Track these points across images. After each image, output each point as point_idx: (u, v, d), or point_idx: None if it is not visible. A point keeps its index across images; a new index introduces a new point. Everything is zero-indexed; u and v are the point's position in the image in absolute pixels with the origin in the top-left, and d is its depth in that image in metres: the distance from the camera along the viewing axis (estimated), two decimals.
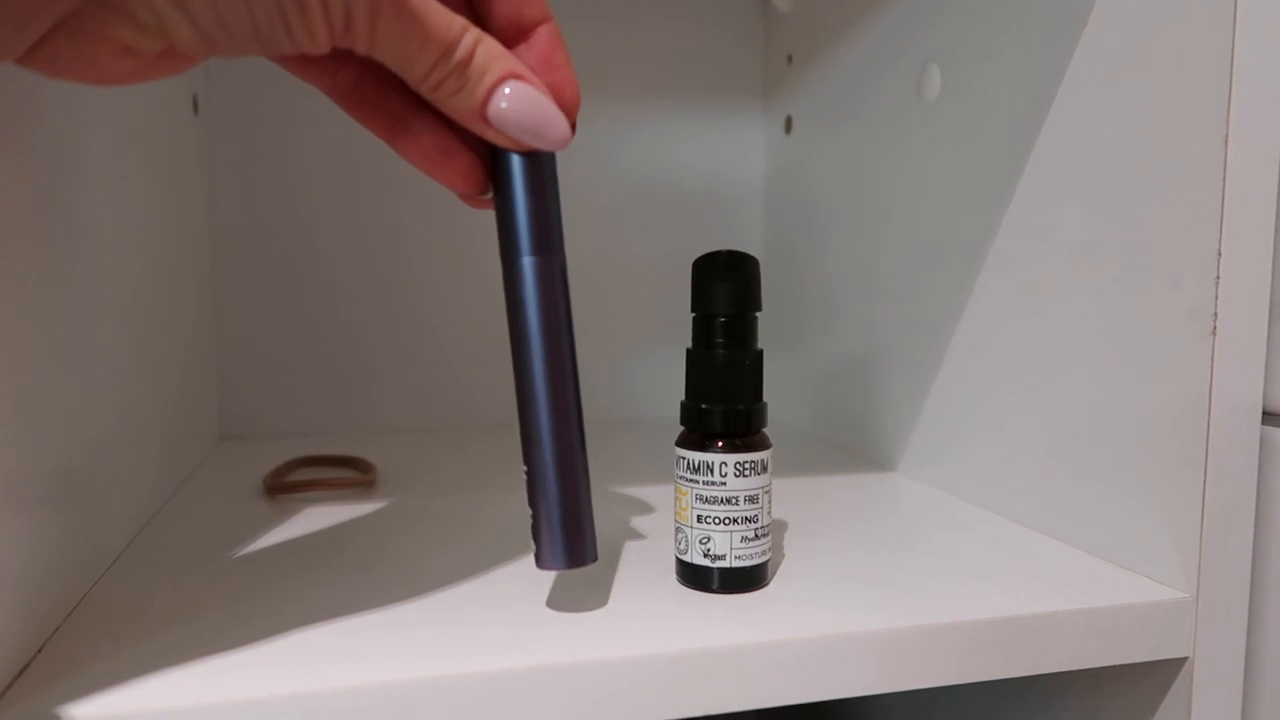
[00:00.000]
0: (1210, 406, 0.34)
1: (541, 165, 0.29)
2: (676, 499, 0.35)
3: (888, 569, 0.37)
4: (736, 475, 0.34)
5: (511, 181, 0.29)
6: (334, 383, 0.66)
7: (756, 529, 0.34)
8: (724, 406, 0.34)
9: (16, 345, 0.28)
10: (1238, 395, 0.34)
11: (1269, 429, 0.35)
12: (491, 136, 0.28)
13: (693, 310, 0.34)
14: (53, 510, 0.31)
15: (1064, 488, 0.40)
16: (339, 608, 0.33)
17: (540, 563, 0.31)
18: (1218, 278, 0.33)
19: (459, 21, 0.26)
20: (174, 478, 0.50)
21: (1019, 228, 0.43)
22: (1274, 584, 0.36)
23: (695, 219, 0.72)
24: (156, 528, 0.42)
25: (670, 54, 0.70)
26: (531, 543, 0.31)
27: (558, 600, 0.34)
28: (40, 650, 0.29)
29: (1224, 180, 0.33)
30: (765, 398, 0.35)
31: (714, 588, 0.34)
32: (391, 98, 0.29)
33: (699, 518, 0.34)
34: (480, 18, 0.29)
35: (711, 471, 0.34)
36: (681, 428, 0.35)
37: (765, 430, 0.35)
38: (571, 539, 0.30)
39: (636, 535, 0.41)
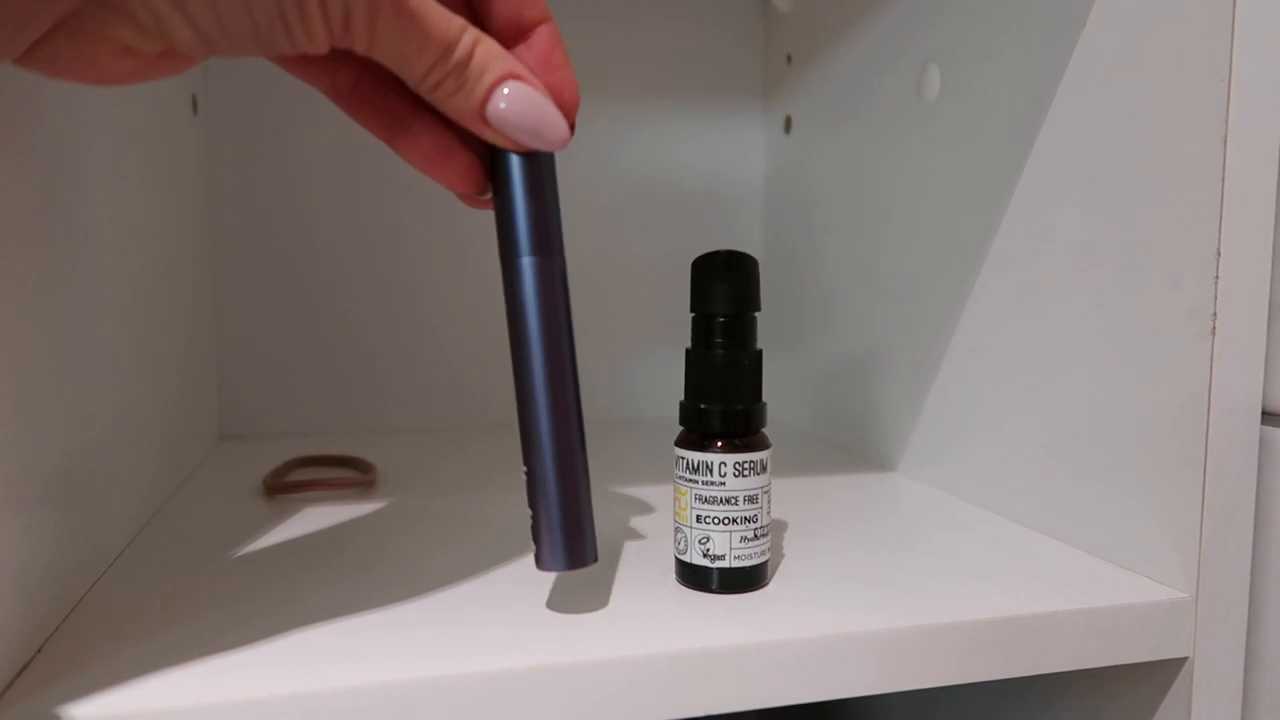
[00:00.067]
0: (1210, 406, 0.34)
1: (541, 165, 0.29)
2: (676, 499, 0.35)
3: (887, 569, 0.37)
4: (736, 475, 0.34)
5: (511, 182, 0.29)
6: (334, 383, 0.66)
7: (756, 529, 0.34)
8: (723, 406, 0.34)
9: (16, 345, 0.28)
10: (1237, 395, 0.34)
11: (1268, 429, 0.35)
12: (490, 137, 0.28)
13: (692, 310, 0.34)
14: (52, 510, 0.31)
15: (1064, 488, 0.40)
16: (339, 608, 0.33)
17: (540, 564, 0.31)
18: (1217, 277, 0.33)
19: (457, 21, 0.26)
20: (174, 478, 0.50)
21: (1018, 228, 0.43)
22: (1274, 584, 0.36)
23: (695, 219, 0.72)
24: (156, 528, 0.43)
25: (670, 54, 0.70)
26: (531, 543, 0.31)
27: (557, 600, 0.34)
28: (40, 650, 0.29)
29: (1223, 180, 0.33)
30: (765, 398, 0.35)
31: (713, 588, 0.34)
32: (391, 98, 0.29)
33: (698, 518, 0.34)
34: (479, 18, 0.29)
35: (711, 471, 0.34)
36: (681, 428, 0.35)
37: (765, 430, 0.35)
38: (571, 540, 0.30)
39: (636, 535, 0.41)
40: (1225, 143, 0.33)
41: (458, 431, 0.66)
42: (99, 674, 0.27)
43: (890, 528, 0.43)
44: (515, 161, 0.29)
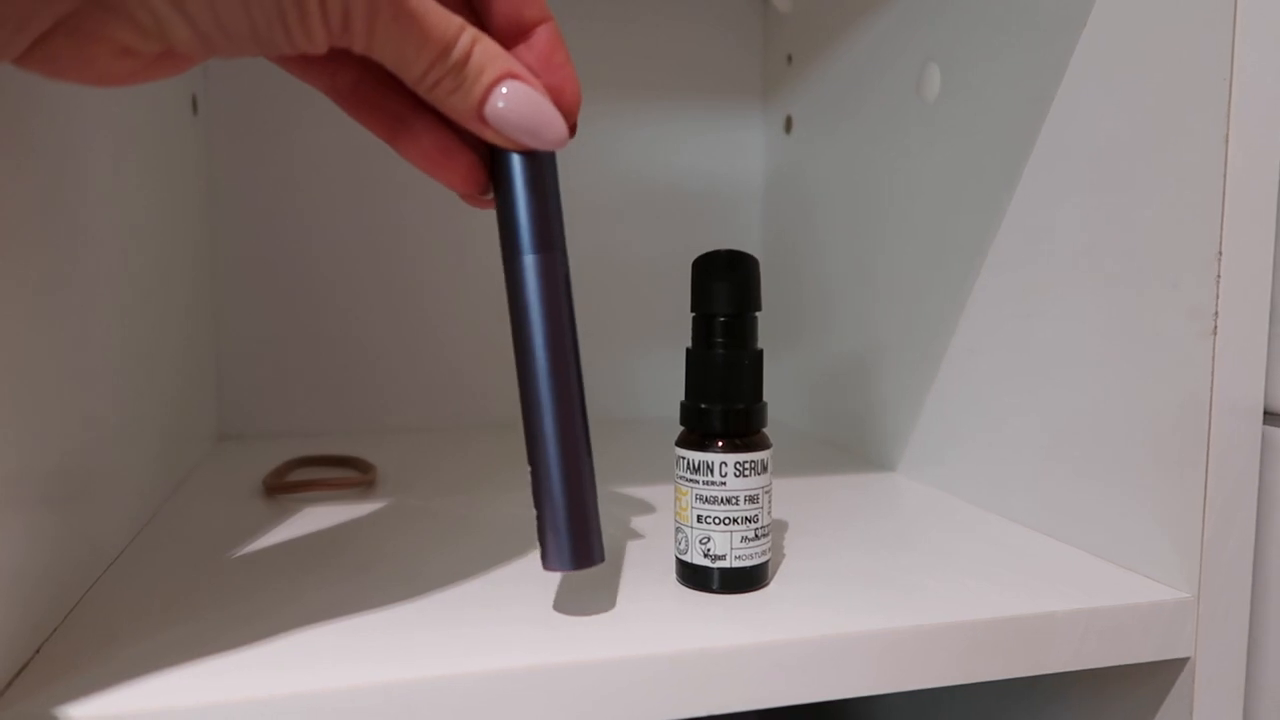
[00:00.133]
0: (1211, 406, 0.34)
1: (541, 164, 0.29)
2: (676, 499, 0.35)
3: (888, 569, 0.37)
4: (736, 475, 0.34)
5: (511, 181, 0.29)
6: (333, 382, 0.66)
7: (756, 529, 0.34)
8: (724, 406, 0.34)
9: (16, 345, 0.28)
10: (1238, 395, 0.34)
11: (1270, 428, 0.35)
12: (489, 136, 0.28)
13: (692, 310, 0.34)
14: (51, 510, 0.31)
15: (1064, 488, 0.40)
16: (338, 608, 0.33)
17: (546, 564, 0.31)
18: (1218, 277, 0.33)
19: (456, 21, 0.26)
20: (173, 477, 0.50)
21: (1018, 228, 0.43)
22: (1275, 583, 0.36)
23: (695, 219, 0.72)
24: (155, 528, 0.42)
25: (670, 54, 0.70)
26: (537, 543, 0.31)
27: (557, 600, 0.34)
28: (39, 650, 0.29)
29: (1224, 180, 0.33)
30: (765, 398, 0.35)
31: (714, 588, 0.34)
32: (391, 98, 0.29)
33: (699, 518, 0.34)
34: (480, 18, 0.29)
35: (711, 471, 0.34)
36: (681, 427, 0.35)
37: (765, 430, 0.35)
38: (577, 540, 0.30)
39: (636, 535, 0.41)
40: (1226, 142, 0.33)
41: (458, 431, 0.66)
42: (98, 674, 0.27)
43: (890, 528, 0.43)
44: (515, 160, 0.29)
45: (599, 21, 0.69)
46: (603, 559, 0.31)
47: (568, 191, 0.32)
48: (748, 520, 0.34)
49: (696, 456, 0.34)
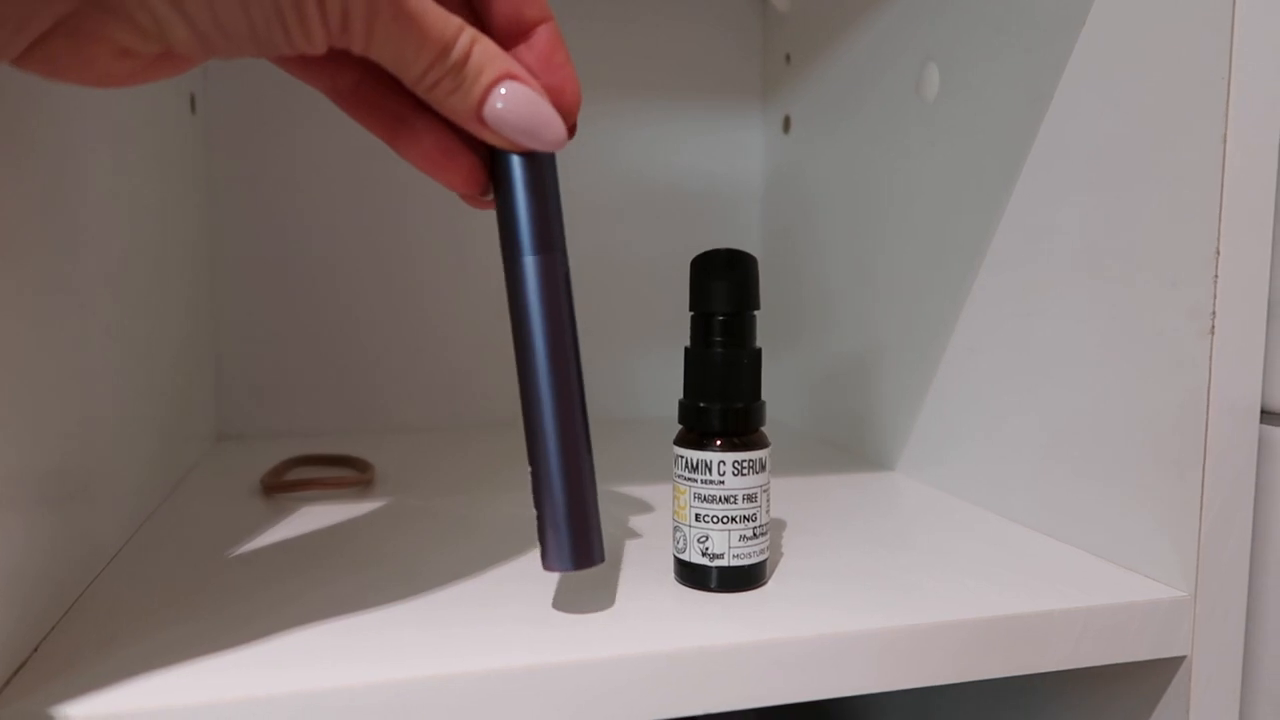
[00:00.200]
0: (1209, 405, 0.34)
1: (541, 165, 0.29)
2: (675, 498, 0.35)
3: (886, 568, 0.37)
4: (735, 474, 0.34)
5: (511, 181, 0.29)
6: (332, 382, 0.66)
7: (755, 527, 0.34)
8: (722, 405, 0.34)
9: (14, 345, 0.28)
10: (1236, 394, 0.34)
11: (1267, 428, 0.35)
12: (488, 137, 0.28)
13: (691, 309, 0.34)
14: (49, 509, 0.31)
15: (1062, 487, 0.40)
16: (336, 607, 0.33)
17: (546, 563, 0.31)
18: (1216, 277, 0.33)
19: (455, 22, 0.26)
20: (171, 477, 0.50)
21: (1017, 227, 0.43)
22: (1272, 582, 0.36)
23: (694, 218, 0.72)
24: (153, 527, 0.42)
25: (669, 54, 0.70)
26: (536, 543, 0.31)
27: (556, 599, 0.34)
28: (36, 649, 0.29)
29: (1222, 179, 0.33)
30: (764, 397, 0.35)
31: (712, 586, 0.34)
32: (391, 99, 0.29)
33: (697, 516, 0.34)
34: (479, 18, 0.29)
35: (710, 470, 0.34)
36: (680, 426, 0.35)
37: (764, 429, 0.35)
38: (577, 540, 0.30)
39: (635, 534, 0.41)
40: (1225, 142, 0.33)
41: (457, 431, 0.66)
42: (96, 673, 0.27)
43: (889, 527, 0.43)
44: (515, 161, 0.29)
45: (599, 21, 0.69)
46: (603, 559, 0.31)
47: (567, 191, 0.32)
48: (746, 519, 0.34)
49: (695, 455, 0.34)
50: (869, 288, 0.56)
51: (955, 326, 0.48)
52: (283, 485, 0.48)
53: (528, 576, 0.36)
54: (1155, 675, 0.36)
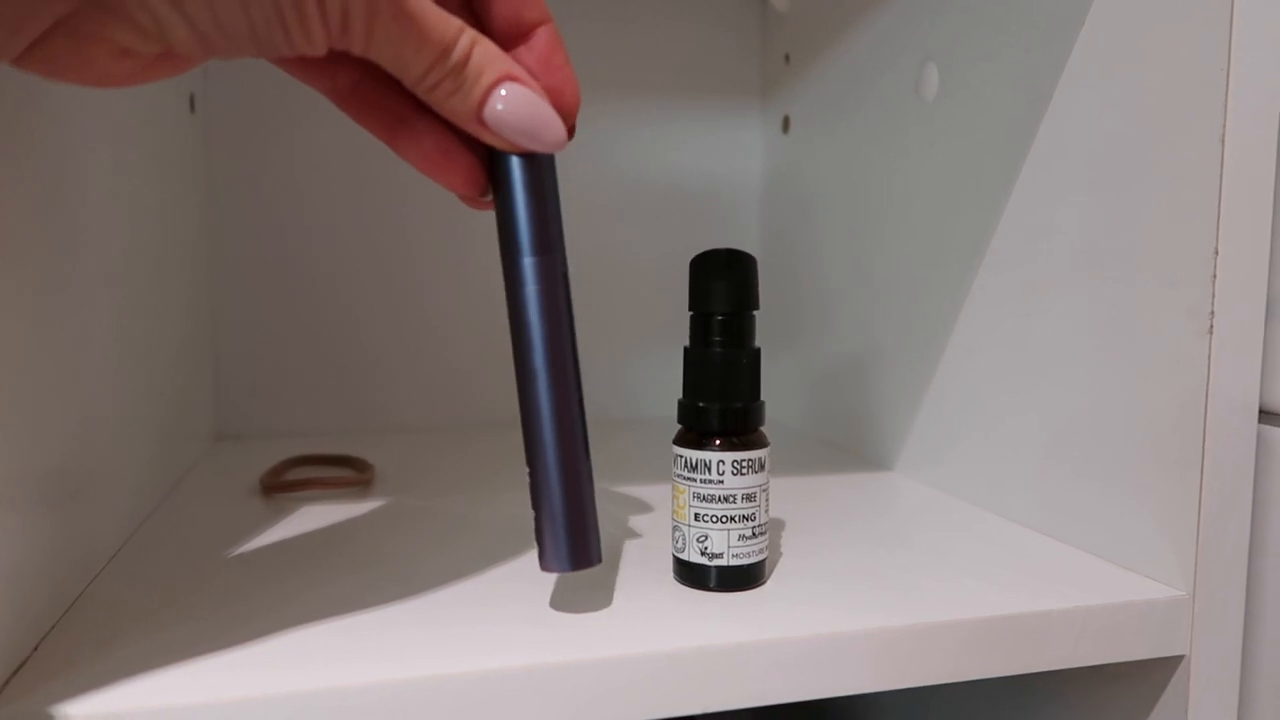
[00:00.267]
0: (1207, 405, 0.34)
1: (540, 166, 0.29)
2: (674, 497, 0.35)
3: (885, 568, 0.37)
4: (734, 473, 0.34)
5: (511, 183, 0.29)
6: (331, 382, 0.66)
7: (754, 527, 0.34)
8: (721, 405, 0.34)
9: (14, 345, 0.28)
10: (1234, 393, 0.34)
11: (1265, 427, 0.35)
12: (488, 138, 0.28)
13: (690, 308, 0.34)
14: (48, 509, 0.31)
15: (1061, 487, 0.41)
16: (335, 607, 0.33)
17: (544, 564, 0.31)
18: (1214, 276, 0.33)
19: (455, 23, 0.26)
20: (170, 476, 0.50)
21: (1016, 227, 0.43)
22: (1271, 581, 0.36)
23: (693, 218, 0.72)
24: (152, 526, 0.43)
25: (669, 54, 0.70)
26: (534, 543, 0.31)
27: (555, 599, 0.34)
28: (36, 648, 0.29)
29: (1221, 179, 0.33)
30: (763, 397, 0.35)
31: (711, 586, 0.34)
32: (391, 99, 0.29)
33: (696, 516, 0.34)
34: (479, 19, 0.29)
35: (709, 470, 0.34)
36: (679, 426, 0.35)
37: (763, 429, 0.35)
38: (575, 541, 0.30)
39: (634, 534, 0.41)
40: (1223, 141, 0.33)
41: (456, 431, 0.66)
42: (95, 672, 0.27)
43: (887, 527, 0.43)
44: (515, 162, 0.29)
45: (598, 22, 0.69)
46: (600, 560, 0.31)
47: (567, 192, 0.32)
48: (745, 518, 0.34)
49: (694, 455, 0.34)
50: (868, 287, 0.56)
51: (954, 326, 0.48)
52: (282, 485, 0.48)
53: (526, 576, 0.36)
54: (1154, 674, 0.36)
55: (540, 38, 0.29)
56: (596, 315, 0.70)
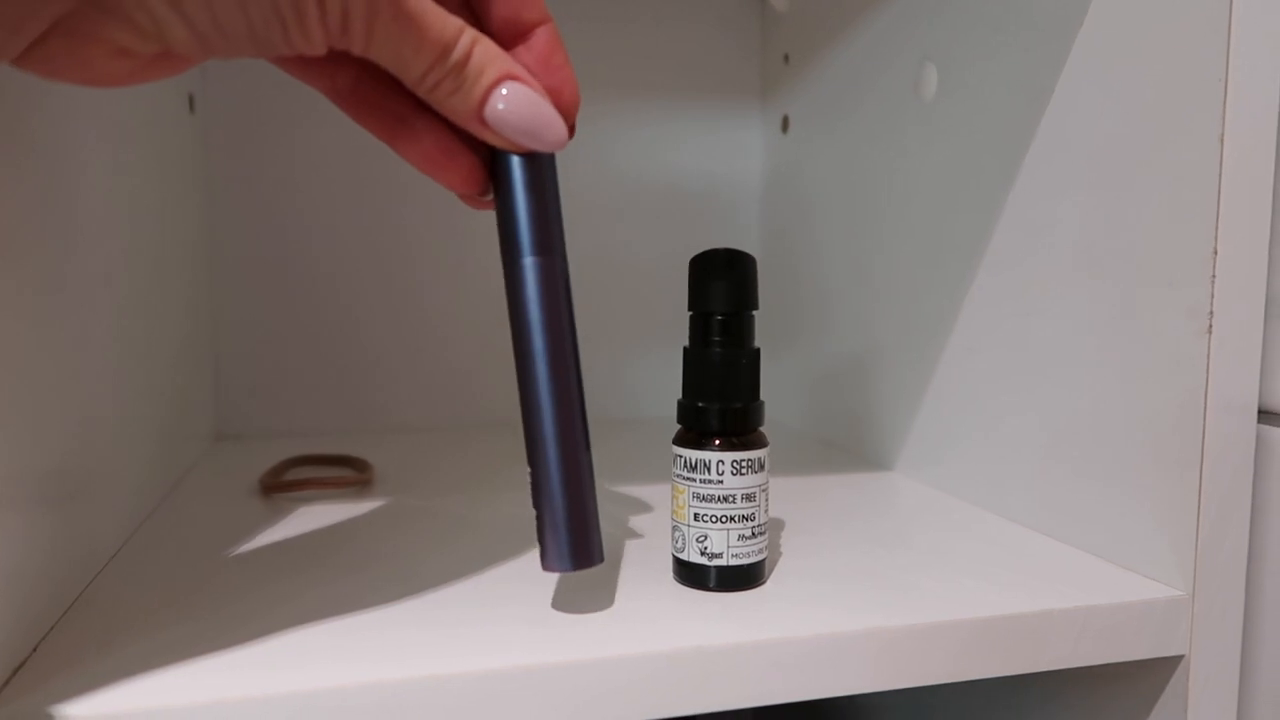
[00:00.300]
0: (1206, 405, 0.34)
1: (541, 166, 0.29)
2: (673, 497, 0.35)
3: (884, 568, 0.37)
4: (734, 473, 0.34)
5: (511, 182, 0.29)
6: (331, 382, 0.66)
7: (753, 527, 0.34)
8: (721, 405, 0.34)
9: (13, 345, 0.28)
10: (1234, 393, 0.34)
11: (1265, 427, 0.35)
12: (488, 138, 0.28)
13: (690, 308, 0.34)
14: (48, 509, 0.31)
15: (1060, 487, 0.41)
16: (335, 607, 0.33)
17: (545, 564, 0.31)
18: (1214, 276, 0.33)
19: (455, 22, 0.26)
20: (170, 476, 0.50)
21: (1015, 227, 0.43)
22: (1270, 581, 0.36)
23: (693, 218, 0.72)
24: (152, 526, 0.43)
25: (668, 54, 0.70)
26: (535, 543, 0.31)
27: (555, 599, 0.34)
28: (36, 648, 0.29)
29: (1220, 179, 0.33)
30: (763, 397, 0.35)
31: (711, 586, 0.34)
32: (391, 99, 0.29)
33: (696, 516, 0.34)
34: (479, 19, 0.29)
35: (709, 470, 0.34)
36: (679, 426, 0.35)
37: (762, 429, 0.35)
38: (576, 541, 0.30)
39: (634, 534, 0.41)
40: (1222, 141, 0.33)
41: (456, 431, 0.66)
42: (95, 672, 0.27)
43: (887, 527, 0.43)
44: (515, 162, 0.29)
45: (598, 22, 0.69)
46: (602, 559, 0.31)
47: (567, 192, 0.32)
48: (744, 518, 0.34)
49: (694, 455, 0.34)
50: (868, 287, 0.56)
51: (954, 326, 0.48)
52: (281, 485, 0.48)
53: (526, 576, 0.36)
54: (1153, 674, 0.36)
55: (540, 37, 0.29)
56: (596, 315, 0.70)
